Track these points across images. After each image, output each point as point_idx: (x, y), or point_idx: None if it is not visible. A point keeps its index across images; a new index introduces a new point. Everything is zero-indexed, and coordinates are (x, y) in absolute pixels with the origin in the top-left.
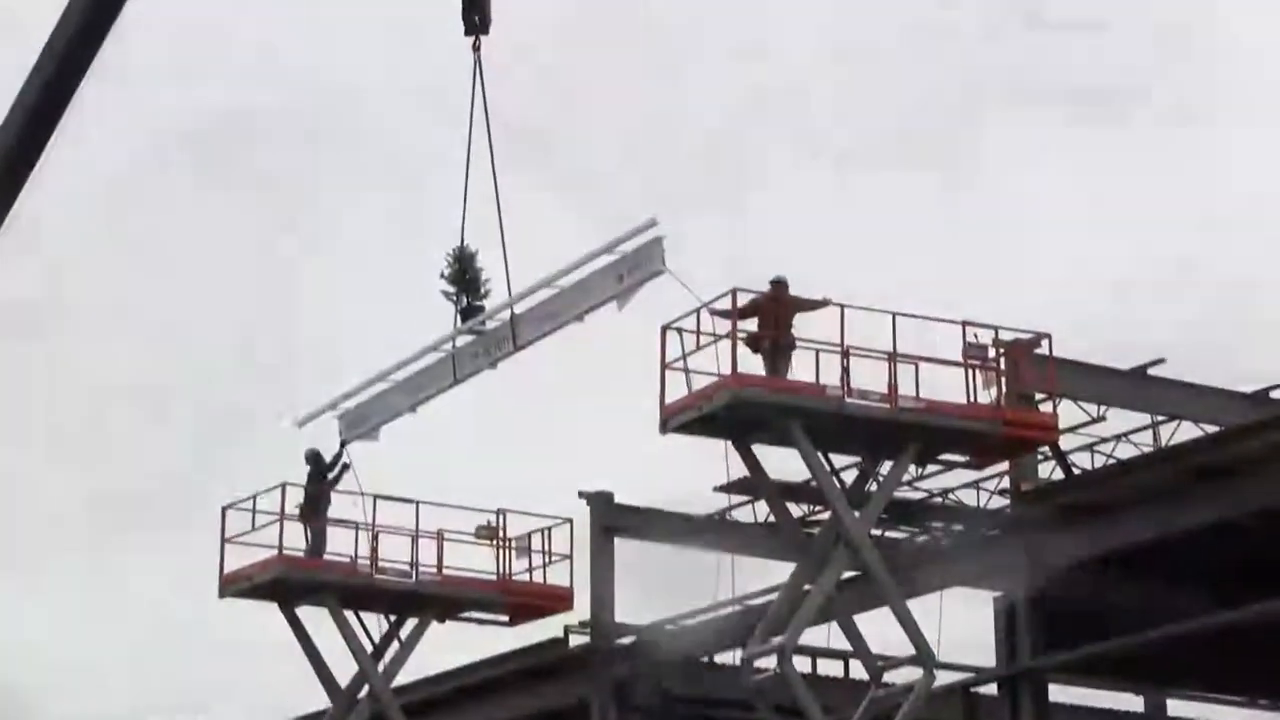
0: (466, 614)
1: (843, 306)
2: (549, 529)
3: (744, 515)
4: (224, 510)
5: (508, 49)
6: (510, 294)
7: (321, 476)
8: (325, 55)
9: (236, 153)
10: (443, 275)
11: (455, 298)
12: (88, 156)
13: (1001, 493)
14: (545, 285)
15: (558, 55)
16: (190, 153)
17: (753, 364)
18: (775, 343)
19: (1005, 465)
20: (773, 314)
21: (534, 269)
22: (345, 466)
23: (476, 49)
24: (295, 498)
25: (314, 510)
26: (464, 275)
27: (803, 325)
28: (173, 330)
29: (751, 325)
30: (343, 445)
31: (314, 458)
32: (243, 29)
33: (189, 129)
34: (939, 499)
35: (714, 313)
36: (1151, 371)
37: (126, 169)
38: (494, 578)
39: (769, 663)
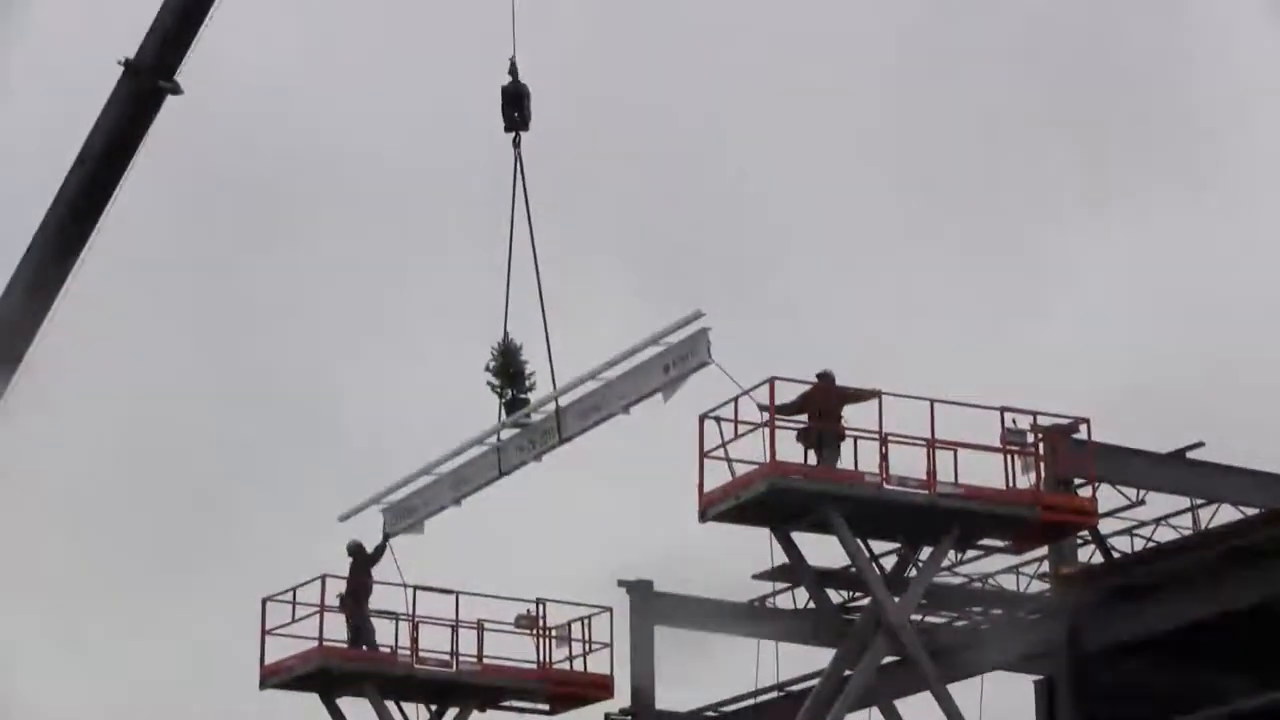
0: (507, 703)
1: (880, 393)
2: (589, 617)
3: (784, 602)
4: (264, 601)
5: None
6: (555, 386)
7: (364, 568)
8: (371, 137)
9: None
10: (488, 368)
11: (500, 390)
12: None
13: (1041, 577)
14: (591, 377)
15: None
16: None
17: (797, 454)
18: (823, 434)
19: (1044, 549)
20: (822, 406)
21: (581, 356)
22: (381, 549)
23: (517, 145)
24: (336, 589)
25: (357, 601)
26: (508, 369)
27: (848, 414)
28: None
29: (801, 419)
30: (386, 539)
31: (356, 549)
32: (285, 106)
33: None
34: (978, 584)
35: (762, 407)
36: (1190, 455)
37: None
38: (534, 666)
39: None
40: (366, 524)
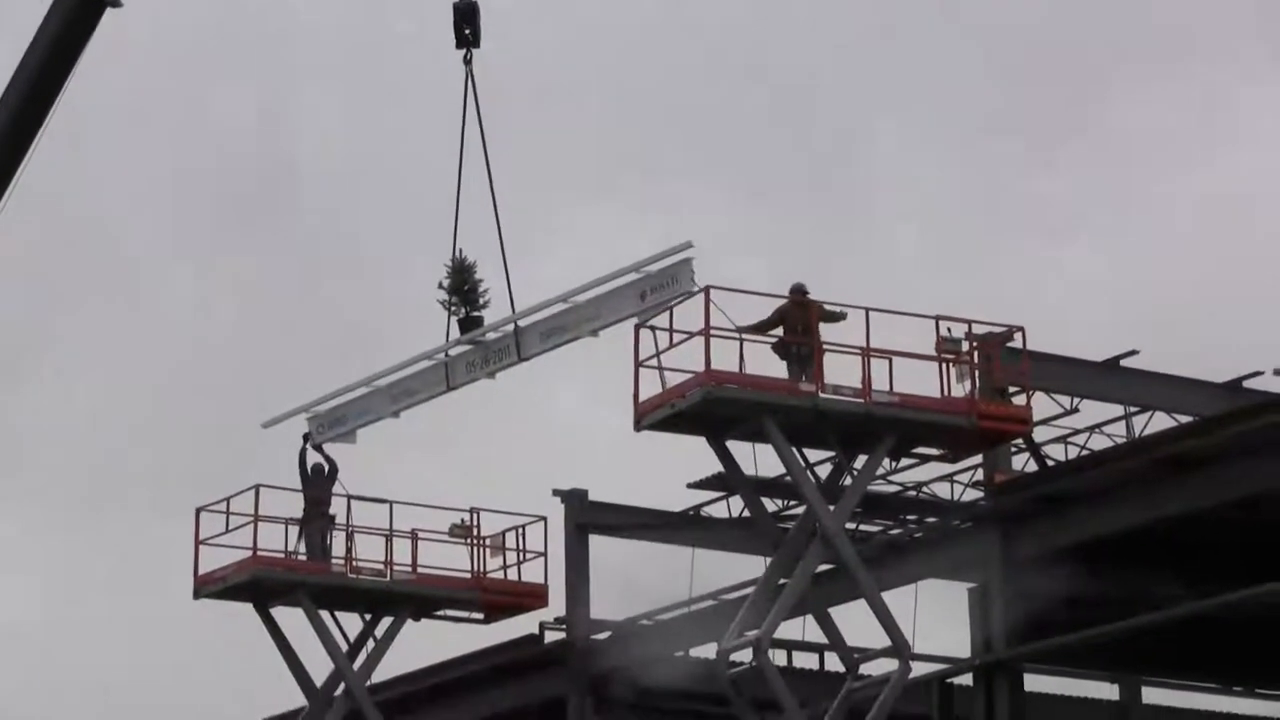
0: (441, 612)
1: (816, 302)
2: (523, 527)
3: (719, 511)
4: (198, 511)
5: None
6: (513, 304)
7: (329, 482)
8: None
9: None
10: (441, 285)
11: (453, 308)
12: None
13: (975, 485)
14: (560, 300)
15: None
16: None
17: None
18: (800, 349)
19: (979, 458)
20: (799, 320)
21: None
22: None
23: (468, 61)
24: (271, 499)
25: (318, 515)
26: (461, 285)
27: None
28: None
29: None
30: (313, 446)
31: (316, 467)
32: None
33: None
34: (913, 492)
35: (741, 329)
36: (1125, 363)
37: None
38: (468, 576)
39: (745, 656)
40: (292, 431)
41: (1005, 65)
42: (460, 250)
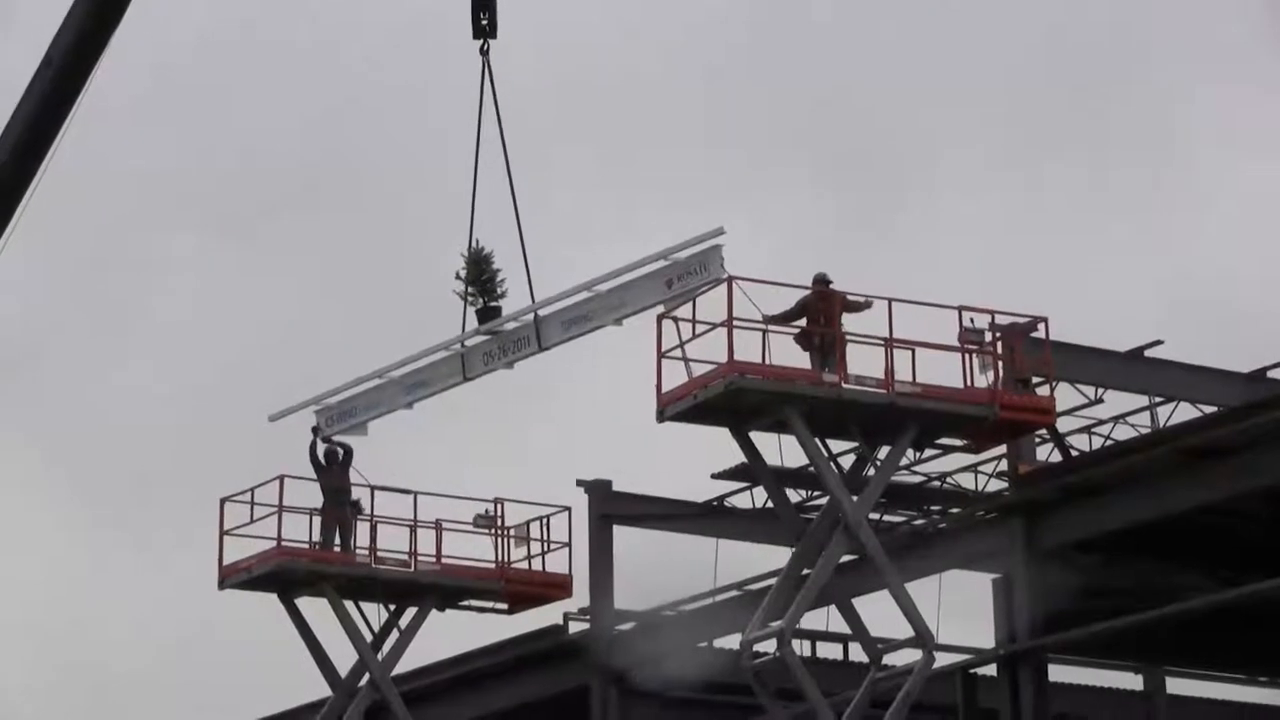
0: (465, 603)
1: (839, 293)
2: (547, 517)
3: (742, 502)
4: (222, 502)
5: None
6: (532, 294)
7: (344, 468)
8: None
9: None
10: (458, 276)
11: (470, 298)
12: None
13: (999, 475)
14: (584, 288)
15: None
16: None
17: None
18: (823, 339)
19: (1003, 449)
20: (822, 311)
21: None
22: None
23: (485, 52)
24: (295, 490)
25: (338, 504)
26: (479, 276)
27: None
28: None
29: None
30: (323, 439)
31: (329, 454)
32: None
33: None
34: (937, 483)
35: (766, 318)
36: (1149, 353)
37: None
38: (493, 566)
39: (769, 647)
40: (301, 425)
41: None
42: (477, 240)
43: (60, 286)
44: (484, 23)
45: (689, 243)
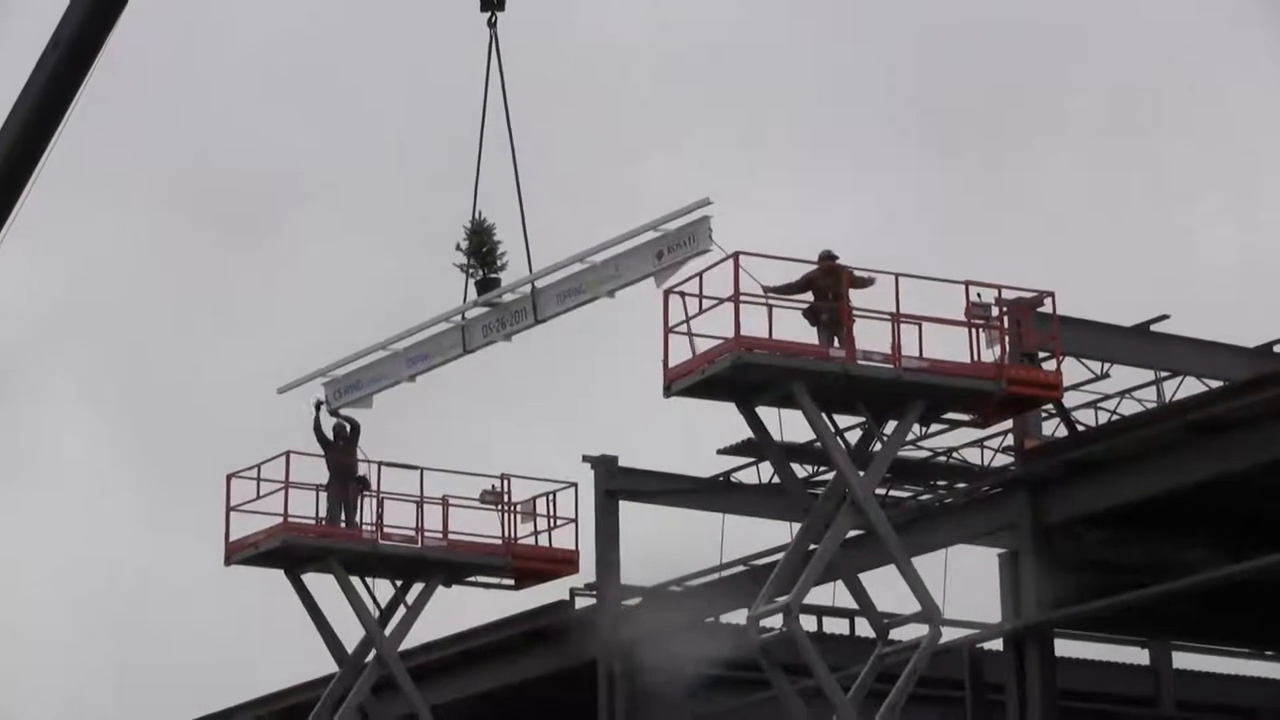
0: (472, 578)
1: (846, 268)
2: (554, 493)
3: (748, 477)
4: (229, 478)
5: None
6: (530, 267)
7: (351, 443)
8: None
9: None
10: (459, 248)
11: (470, 270)
12: None
13: (1005, 450)
14: (576, 260)
15: None
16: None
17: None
18: (830, 314)
19: (1009, 423)
20: (829, 287)
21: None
22: (354, 425)
23: (492, 24)
24: (302, 466)
25: (344, 480)
26: (480, 247)
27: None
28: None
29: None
30: (329, 412)
31: (336, 429)
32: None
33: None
34: (943, 458)
35: (767, 289)
36: (1155, 327)
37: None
38: (499, 542)
39: (775, 622)
40: (307, 397)
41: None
42: (480, 212)
43: (64, 277)
44: None
45: (677, 213)
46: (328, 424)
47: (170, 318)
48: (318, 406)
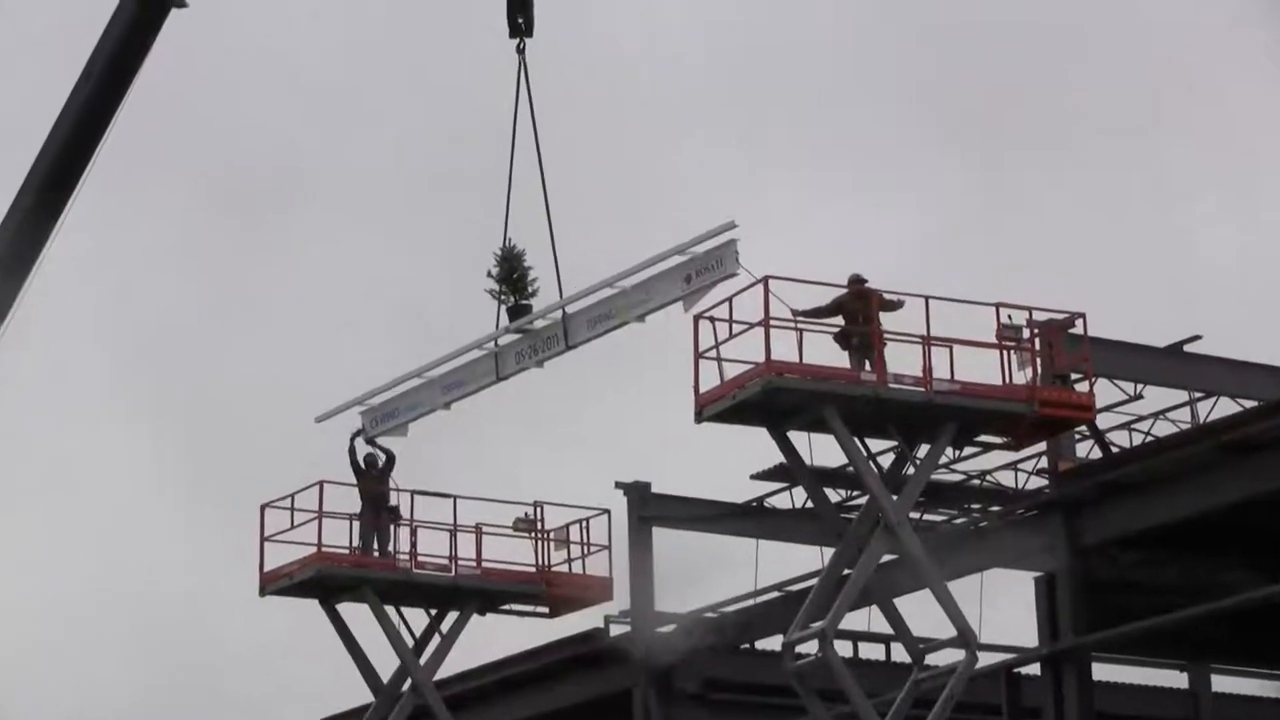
0: (507, 607)
1: (876, 292)
2: (587, 520)
3: (781, 502)
4: (263, 508)
5: None
6: (560, 293)
7: (385, 474)
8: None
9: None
10: (490, 274)
11: (502, 296)
12: None
13: (1039, 473)
14: (605, 285)
15: None
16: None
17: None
18: (860, 338)
19: (1043, 446)
20: (859, 311)
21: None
22: (390, 457)
23: (521, 50)
24: (335, 495)
25: (378, 509)
26: (511, 274)
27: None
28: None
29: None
30: (354, 439)
31: (369, 459)
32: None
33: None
34: (976, 481)
35: (797, 313)
36: (1188, 348)
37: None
38: (533, 570)
39: (811, 648)
40: (344, 426)
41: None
42: (510, 239)
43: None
44: (520, 22)
45: (704, 237)
46: (362, 452)
47: (208, 333)
48: (354, 436)
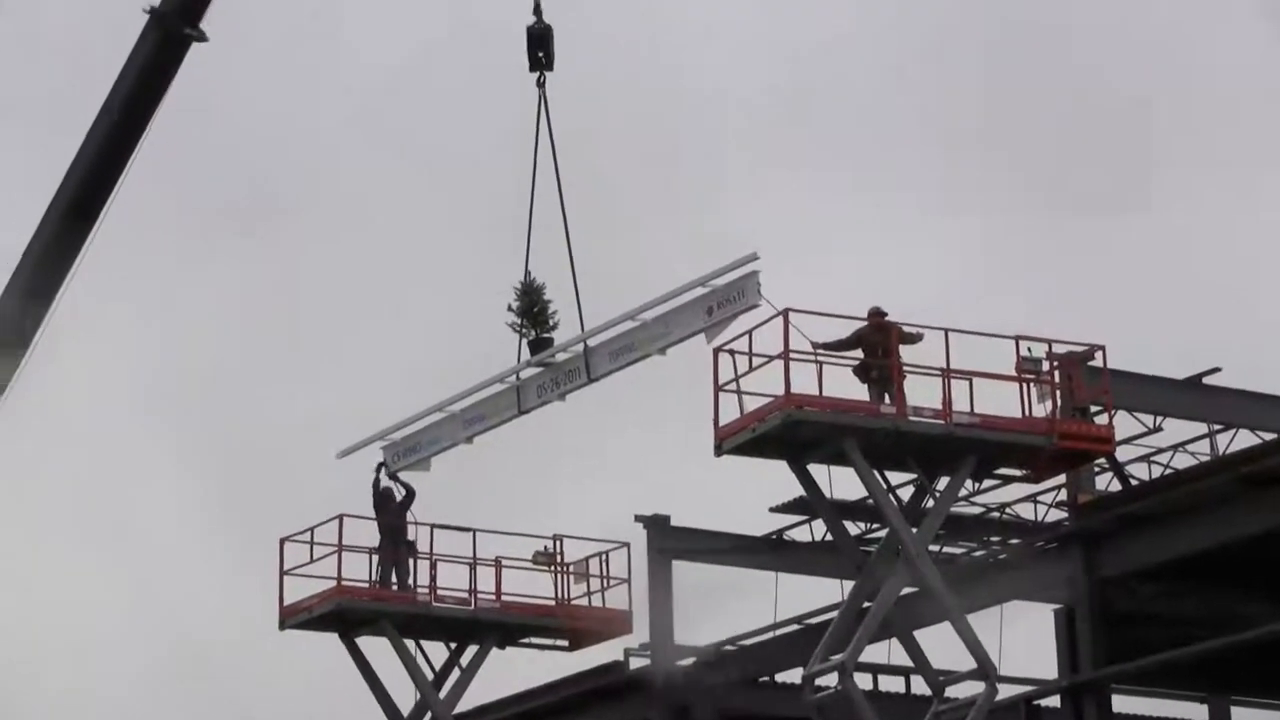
0: (526, 640)
1: (895, 325)
2: (606, 553)
3: (801, 535)
4: (282, 542)
5: None
6: (582, 325)
7: (403, 508)
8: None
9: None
10: (510, 308)
11: (523, 330)
12: None
13: (1059, 505)
14: (627, 318)
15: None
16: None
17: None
18: (881, 371)
19: (1062, 478)
20: (879, 344)
21: (618, 295)
22: (409, 492)
23: (541, 84)
24: (354, 529)
25: (396, 543)
26: (531, 308)
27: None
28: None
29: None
30: (379, 473)
31: (385, 493)
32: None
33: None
34: (996, 513)
35: (817, 346)
36: (1207, 380)
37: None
38: (553, 603)
39: (830, 680)
40: (366, 461)
41: None
42: (530, 273)
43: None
44: (540, 57)
45: (726, 269)
46: (382, 483)
47: (234, 367)
48: (379, 469)
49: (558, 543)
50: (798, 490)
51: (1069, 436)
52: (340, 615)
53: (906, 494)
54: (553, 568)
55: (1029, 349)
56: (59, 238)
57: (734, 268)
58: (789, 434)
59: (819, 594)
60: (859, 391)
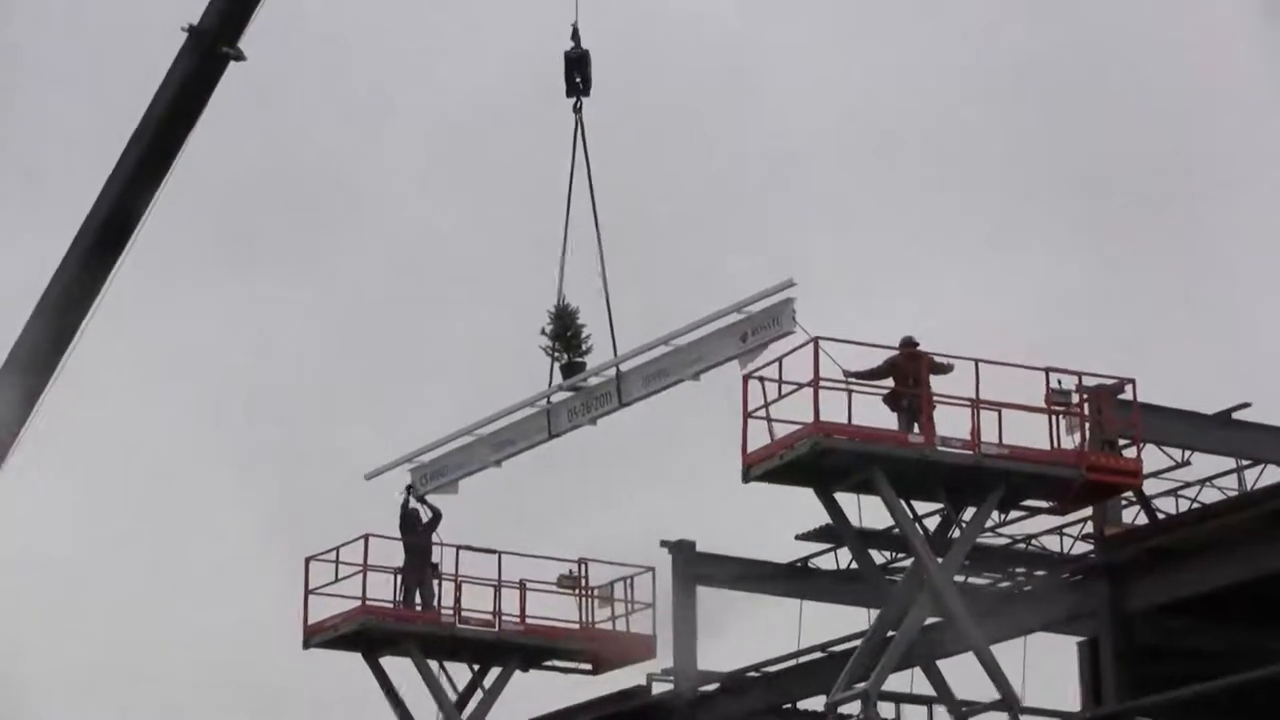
0: (550, 663)
1: (927, 354)
2: (631, 578)
3: (826, 563)
4: (307, 561)
5: None
6: (615, 350)
7: (428, 530)
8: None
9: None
10: (543, 331)
11: (555, 354)
12: None
13: (1085, 538)
14: (660, 343)
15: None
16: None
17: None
18: (911, 401)
19: (1089, 510)
20: (910, 373)
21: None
22: (436, 515)
23: (578, 110)
24: (380, 549)
25: (420, 564)
26: (564, 332)
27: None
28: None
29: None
30: (408, 495)
31: (411, 514)
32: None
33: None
34: (1022, 544)
35: (849, 374)
36: (1237, 415)
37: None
38: (577, 627)
39: (853, 709)
40: (395, 483)
41: None
42: (564, 296)
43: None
44: (578, 81)
45: (761, 295)
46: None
47: (264, 388)
48: (407, 491)
49: (583, 566)
50: (824, 518)
51: (1097, 469)
52: (364, 635)
53: (933, 523)
54: (577, 591)
55: (1059, 381)
56: (88, 262)
57: (770, 294)
58: (817, 461)
59: (843, 622)
60: (888, 421)
